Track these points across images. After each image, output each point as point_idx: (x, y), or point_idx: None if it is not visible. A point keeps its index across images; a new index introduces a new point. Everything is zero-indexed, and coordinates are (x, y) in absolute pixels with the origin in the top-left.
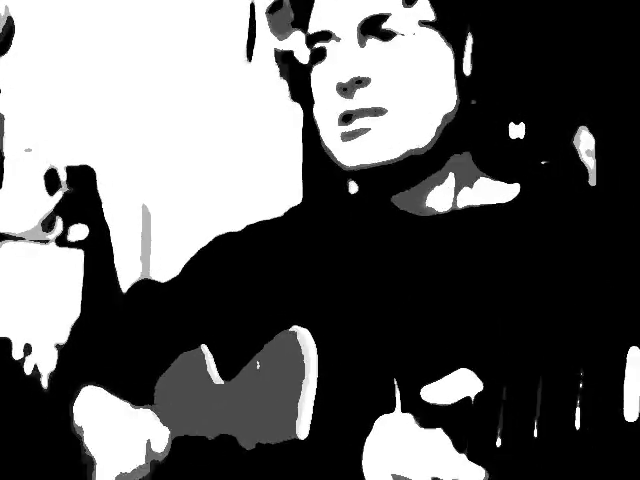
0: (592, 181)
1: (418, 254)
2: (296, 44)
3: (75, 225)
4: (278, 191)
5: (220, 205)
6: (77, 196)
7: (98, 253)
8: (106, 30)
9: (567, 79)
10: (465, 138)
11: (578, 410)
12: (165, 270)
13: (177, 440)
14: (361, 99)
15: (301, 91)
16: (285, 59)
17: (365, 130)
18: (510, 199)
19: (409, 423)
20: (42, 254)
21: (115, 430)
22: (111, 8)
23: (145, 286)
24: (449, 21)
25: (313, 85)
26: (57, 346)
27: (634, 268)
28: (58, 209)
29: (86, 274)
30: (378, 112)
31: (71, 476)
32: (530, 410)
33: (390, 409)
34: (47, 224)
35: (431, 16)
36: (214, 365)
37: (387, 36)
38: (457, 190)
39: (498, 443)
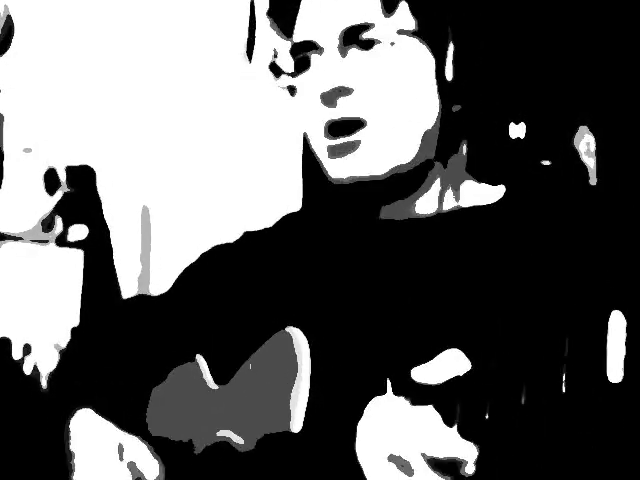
0: (592, 181)
1: (405, 252)
2: (282, 53)
3: (75, 225)
4: (277, 192)
5: (220, 205)
6: (77, 196)
7: (98, 253)
8: (106, 30)
9: (567, 79)
10: (449, 143)
11: (564, 375)
12: (165, 270)
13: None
14: (344, 108)
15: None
16: (272, 68)
17: (354, 144)
18: (495, 200)
19: (400, 404)
20: (42, 254)
21: (104, 463)
22: (111, 8)
23: (139, 300)
24: (430, 28)
25: (298, 94)
26: (56, 346)
27: (631, 261)
28: (58, 209)
29: (86, 274)
30: (362, 123)
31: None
32: (517, 379)
33: (381, 393)
34: (47, 224)
35: (412, 24)
36: (209, 373)
37: (368, 45)
38: (442, 193)
39: (487, 416)
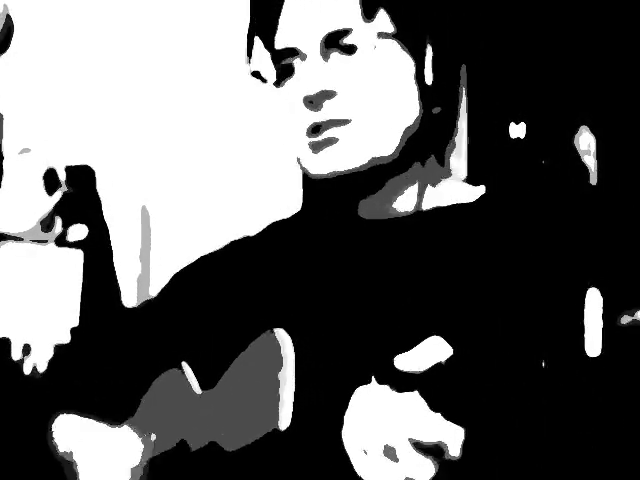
0: (593, 180)
1: (384, 249)
2: (263, 62)
3: (74, 225)
4: (277, 193)
5: (219, 205)
6: (76, 196)
7: (97, 253)
8: (106, 30)
9: (567, 80)
10: (428, 144)
11: (544, 351)
12: (164, 270)
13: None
14: (328, 111)
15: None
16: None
17: (333, 140)
18: (475, 199)
19: (385, 392)
20: (41, 254)
21: (98, 450)
22: (111, 8)
23: (125, 309)
24: (409, 33)
25: (282, 101)
26: (56, 347)
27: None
28: (57, 209)
29: (85, 274)
30: (345, 123)
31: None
32: (498, 360)
33: (365, 383)
34: (46, 224)
35: (391, 29)
36: (195, 379)
37: (349, 50)
38: (421, 193)
39: (473, 398)
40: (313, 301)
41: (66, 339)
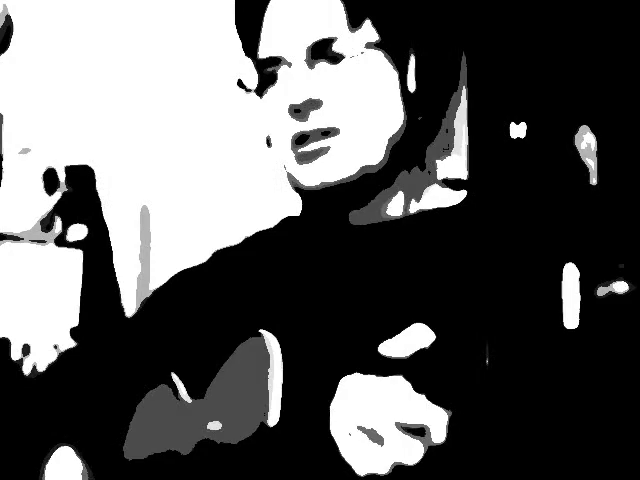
0: (593, 180)
1: (371, 250)
2: (245, 70)
3: (74, 225)
4: (277, 194)
5: (219, 205)
6: (76, 196)
7: (97, 253)
8: (105, 30)
9: (568, 80)
10: (413, 152)
11: (523, 325)
12: (164, 270)
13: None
14: (315, 120)
15: None
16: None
17: (323, 150)
18: (457, 202)
19: (370, 378)
20: (41, 254)
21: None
22: (110, 7)
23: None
24: (392, 42)
25: (265, 109)
26: (56, 347)
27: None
28: (57, 209)
29: (85, 274)
30: (332, 132)
31: None
32: (479, 342)
33: (350, 371)
34: (46, 224)
35: (375, 38)
36: (184, 389)
37: (335, 59)
38: (408, 198)
39: (456, 381)
40: (298, 296)
41: (66, 339)
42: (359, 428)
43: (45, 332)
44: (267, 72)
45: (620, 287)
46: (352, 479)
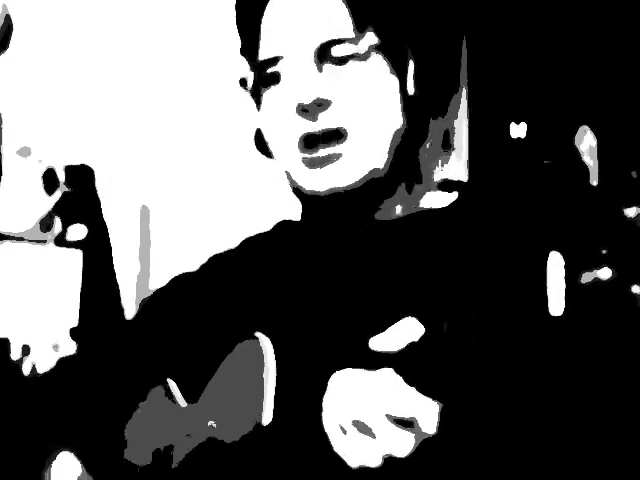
0: (594, 180)
1: (368, 249)
2: (246, 68)
3: (74, 225)
4: (277, 196)
5: (219, 205)
6: (76, 196)
7: (97, 253)
8: (105, 30)
9: (568, 80)
10: (410, 156)
11: (509, 312)
12: (163, 270)
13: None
14: (324, 121)
15: None
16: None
17: (334, 156)
18: (448, 204)
19: (361, 372)
20: (40, 254)
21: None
22: (110, 7)
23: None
24: (392, 45)
25: (265, 108)
26: (55, 347)
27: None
28: (57, 209)
29: (85, 274)
30: (341, 134)
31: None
32: (467, 333)
33: (342, 366)
34: (46, 224)
35: (376, 41)
36: (180, 395)
37: (342, 61)
38: (404, 199)
39: (446, 372)
40: (290, 293)
41: (65, 339)
42: (350, 421)
43: (45, 332)
44: (268, 72)
45: (604, 274)
46: (345, 472)
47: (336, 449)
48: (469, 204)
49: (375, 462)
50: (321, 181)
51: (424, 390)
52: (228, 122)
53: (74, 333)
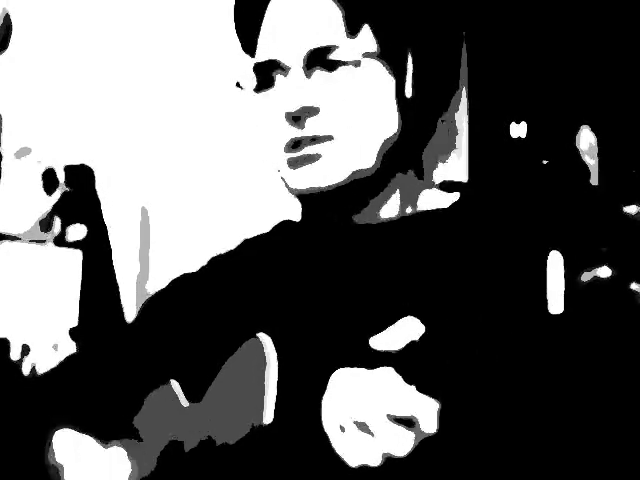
0: (594, 179)
1: (367, 249)
2: (244, 70)
3: (73, 225)
4: (276, 196)
5: (219, 205)
6: (75, 196)
7: (96, 253)
8: (105, 30)
9: (569, 79)
10: (408, 156)
11: (509, 311)
12: (163, 270)
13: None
14: (311, 128)
15: None
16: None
17: (316, 156)
18: (449, 204)
19: (361, 371)
20: (40, 254)
21: (90, 468)
22: (110, 7)
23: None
24: (391, 48)
25: (258, 111)
26: (55, 347)
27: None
28: (56, 209)
29: (84, 274)
30: (327, 139)
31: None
32: (469, 334)
33: (342, 365)
34: (45, 224)
35: (374, 46)
36: (183, 395)
37: (332, 66)
38: (403, 200)
39: (446, 371)
40: (291, 293)
41: (65, 340)
42: (350, 420)
43: (44, 332)
44: (264, 75)
45: (604, 272)
46: (344, 471)
47: (336, 448)
48: (470, 204)
49: (375, 461)
50: (301, 180)
51: (424, 389)
52: (228, 123)
53: (74, 333)
